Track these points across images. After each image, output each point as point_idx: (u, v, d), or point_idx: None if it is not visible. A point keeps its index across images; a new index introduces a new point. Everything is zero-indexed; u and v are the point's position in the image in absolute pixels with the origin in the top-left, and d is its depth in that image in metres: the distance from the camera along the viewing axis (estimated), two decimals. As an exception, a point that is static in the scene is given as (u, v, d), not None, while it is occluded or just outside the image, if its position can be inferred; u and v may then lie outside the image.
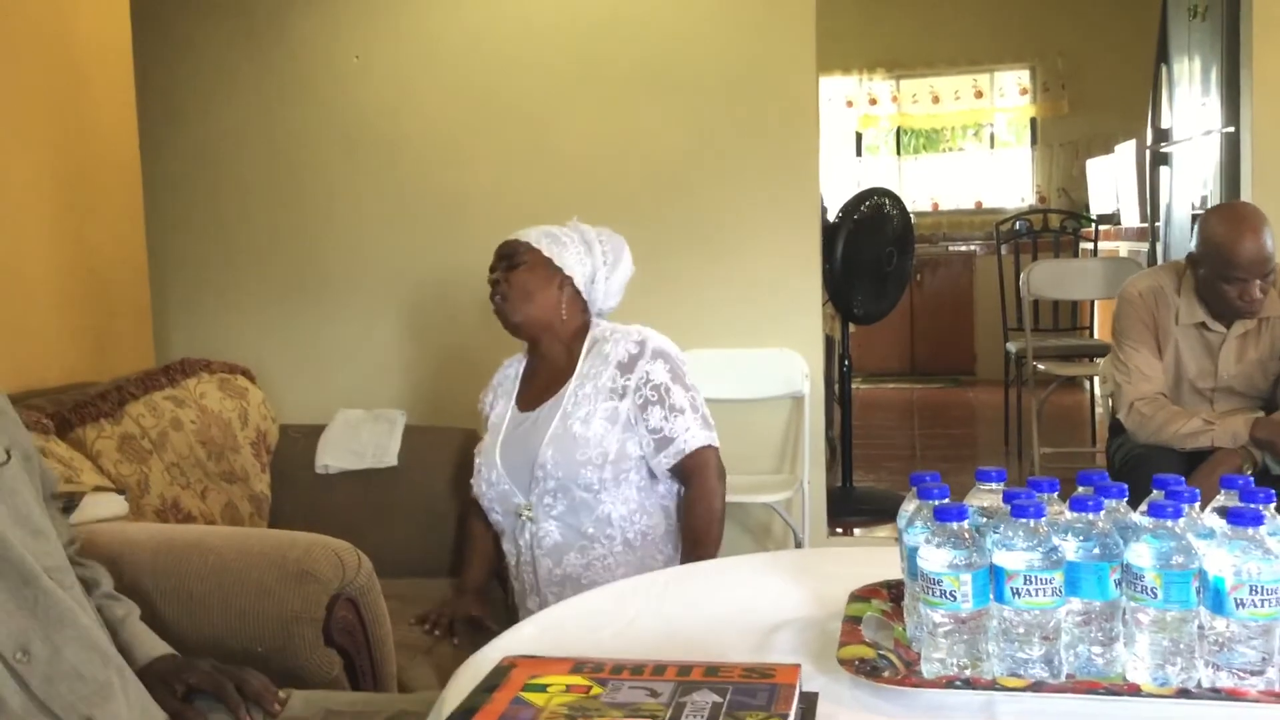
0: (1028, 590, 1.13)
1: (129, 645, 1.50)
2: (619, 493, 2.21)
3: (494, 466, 2.27)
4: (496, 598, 2.46)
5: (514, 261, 2.29)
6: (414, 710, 1.59)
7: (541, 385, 2.33)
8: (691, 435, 2.22)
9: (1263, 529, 1.10)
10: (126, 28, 3.06)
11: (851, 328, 4.42)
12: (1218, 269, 2.59)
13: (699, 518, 2.24)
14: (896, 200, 4.32)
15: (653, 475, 2.27)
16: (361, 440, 2.82)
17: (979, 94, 8.11)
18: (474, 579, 2.38)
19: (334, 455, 2.81)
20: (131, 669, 1.46)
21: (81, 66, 2.86)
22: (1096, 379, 5.23)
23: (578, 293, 2.32)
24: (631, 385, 2.22)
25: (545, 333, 2.32)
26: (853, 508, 4.24)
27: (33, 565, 1.35)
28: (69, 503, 1.87)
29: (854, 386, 4.62)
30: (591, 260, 2.32)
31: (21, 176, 2.60)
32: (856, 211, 4.15)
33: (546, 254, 2.28)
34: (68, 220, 2.76)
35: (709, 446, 2.25)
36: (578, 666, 1.14)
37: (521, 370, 2.41)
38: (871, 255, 4.14)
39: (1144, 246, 5.38)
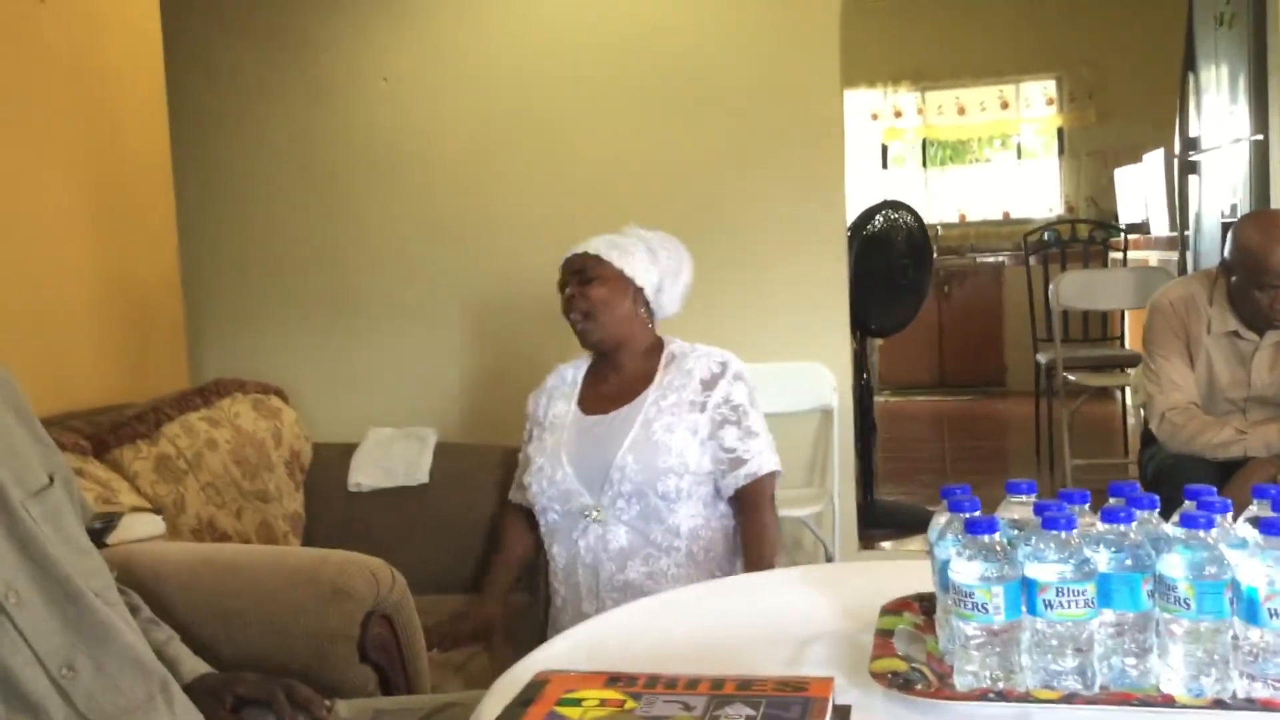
0: (1060, 602, 1.13)
1: (174, 665, 1.52)
2: (690, 505, 2.22)
3: (560, 465, 2.24)
4: (522, 605, 2.46)
5: (587, 276, 2.27)
6: (460, 702, 1.60)
7: (612, 392, 2.32)
8: (764, 459, 2.25)
9: (1296, 539, 1.09)
10: (158, 52, 3.11)
11: (879, 341, 4.41)
12: (1251, 276, 2.57)
13: (763, 555, 2.22)
14: (911, 212, 4.32)
15: (718, 493, 2.28)
16: (393, 458, 2.85)
17: (1005, 105, 8.08)
18: (497, 585, 2.38)
19: (366, 473, 2.84)
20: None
21: (114, 90, 2.91)
22: (1128, 389, 5.20)
23: (647, 302, 2.33)
24: (712, 402, 2.24)
25: (622, 346, 2.31)
26: (875, 521, 4.22)
27: (78, 583, 1.37)
28: (107, 523, 1.90)
29: (883, 399, 4.61)
30: (657, 269, 2.32)
31: (57, 201, 2.64)
32: (866, 225, 4.15)
33: (618, 266, 2.27)
34: (103, 243, 2.80)
35: (774, 472, 2.27)
36: (611, 680, 1.15)
37: (582, 375, 2.39)
38: (882, 268, 4.14)
39: (1174, 256, 5.34)
